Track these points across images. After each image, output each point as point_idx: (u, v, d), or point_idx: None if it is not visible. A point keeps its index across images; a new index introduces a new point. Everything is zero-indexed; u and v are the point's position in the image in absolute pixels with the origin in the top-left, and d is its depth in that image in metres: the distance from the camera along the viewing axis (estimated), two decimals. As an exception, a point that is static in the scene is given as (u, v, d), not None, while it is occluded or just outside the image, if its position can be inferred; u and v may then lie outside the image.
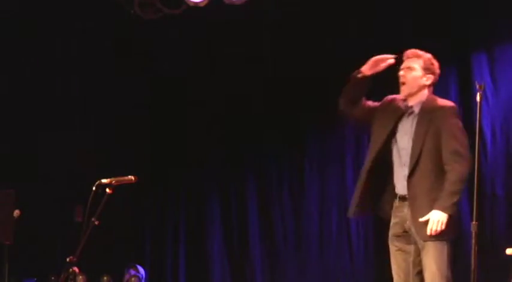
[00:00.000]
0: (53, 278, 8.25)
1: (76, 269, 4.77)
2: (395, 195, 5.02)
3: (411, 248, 4.96)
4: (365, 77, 5.12)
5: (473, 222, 4.56)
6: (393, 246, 5.03)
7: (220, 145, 8.67)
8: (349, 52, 7.81)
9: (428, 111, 4.97)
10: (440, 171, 4.87)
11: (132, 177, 4.92)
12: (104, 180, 4.80)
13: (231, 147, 8.62)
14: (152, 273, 8.81)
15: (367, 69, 5.12)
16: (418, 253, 4.94)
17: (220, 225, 8.73)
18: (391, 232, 5.03)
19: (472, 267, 4.50)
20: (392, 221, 5.03)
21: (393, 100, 5.17)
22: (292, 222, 8.35)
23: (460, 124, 4.96)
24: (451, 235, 4.84)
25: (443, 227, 4.74)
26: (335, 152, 8.14)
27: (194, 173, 8.83)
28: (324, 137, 8.28)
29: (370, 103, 5.24)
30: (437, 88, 7.42)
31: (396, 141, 5.03)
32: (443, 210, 4.76)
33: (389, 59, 5.10)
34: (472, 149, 4.90)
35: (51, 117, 8.75)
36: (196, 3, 7.88)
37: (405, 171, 4.95)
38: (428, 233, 4.76)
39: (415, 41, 7.38)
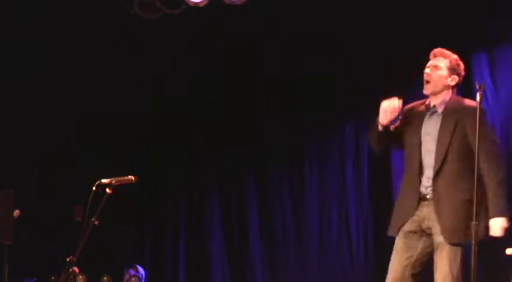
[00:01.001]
0: (53, 278, 8.25)
1: (76, 269, 4.76)
2: (419, 193, 4.95)
3: (419, 245, 4.92)
4: (385, 127, 5.02)
5: (473, 222, 4.56)
6: (400, 242, 4.96)
7: (220, 145, 8.67)
8: (350, 52, 7.83)
9: (452, 111, 4.93)
10: (467, 172, 4.81)
11: (132, 177, 4.91)
12: (104, 180, 4.80)
13: (231, 147, 8.62)
14: (152, 273, 8.81)
15: (383, 119, 4.99)
16: (425, 253, 4.91)
17: (220, 225, 8.73)
18: (405, 228, 4.94)
19: (472, 267, 4.49)
20: (406, 224, 4.97)
21: (413, 107, 5.12)
22: (292, 222, 8.35)
23: (490, 123, 4.94)
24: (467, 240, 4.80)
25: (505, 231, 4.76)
26: (335, 152, 8.14)
27: (194, 173, 8.83)
28: (324, 137, 8.28)
29: (394, 125, 5.15)
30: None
31: (420, 143, 4.98)
32: (501, 215, 4.75)
33: (396, 103, 4.97)
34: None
35: (51, 117, 8.75)
36: (196, 3, 7.88)
37: (429, 173, 4.90)
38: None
39: (415, 41, 7.43)
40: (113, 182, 4.80)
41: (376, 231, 7.62)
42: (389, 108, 4.97)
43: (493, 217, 4.76)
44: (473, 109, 4.79)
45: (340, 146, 8.10)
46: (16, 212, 7.19)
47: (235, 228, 8.66)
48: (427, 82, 5.04)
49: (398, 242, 4.97)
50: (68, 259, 4.70)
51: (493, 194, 4.76)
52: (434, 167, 4.88)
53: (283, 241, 8.39)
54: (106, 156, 8.51)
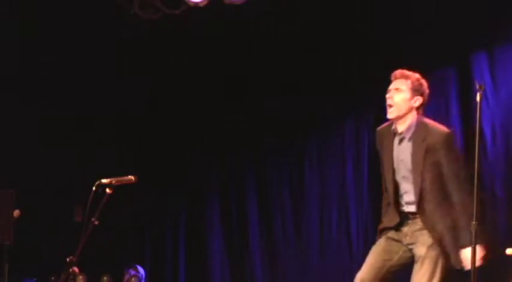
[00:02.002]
0: (53, 278, 8.25)
1: (76, 269, 4.77)
2: (399, 213, 4.92)
3: (399, 252, 4.90)
4: None
5: (473, 222, 4.55)
6: (382, 245, 4.95)
7: (220, 145, 8.67)
8: (350, 52, 7.82)
9: (421, 137, 4.83)
10: (446, 197, 4.82)
11: (132, 177, 4.91)
12: (104, 180, 4.80)
13: (231, 148, 8.62)
14: (152, 273, 8.81)
15: None
16: (402, 262, 4.88)
17: (220, 225, 8.73)
18: (389, 234, 4.95)
19: (472, 267, 4.49)
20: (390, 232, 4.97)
21: (383, 130, 5.04)
22: (292, 222, 8.35)
23: (460, 152, 4.92)
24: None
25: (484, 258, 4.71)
26: (335, 152, 8.14)
27: (194, 173, 8.84)
28: (324, 137, 8.28)
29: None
30: (438, 88, 7.48)
31: (394, 169, 4.92)
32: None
33: None
34: (472, 149, 4.89)
35: (51, 117, 8.75)
36: (196, 3, 7.88)
37: (408, 198, 4.88)
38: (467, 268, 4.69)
39: (415, 40, 7.43)
40: (113, 182, 4.80)
41: (376, 231, 7.61)
42: None
43: (466, 248, 4.69)
44: (441, 135, 4.81)
45: (340, 146, 8.10)
46: (16, 212, 7.18)
47: (235, 228, 8.66)
48: (390, 106, 4.90)
49: (379, 244, 4.95)
50: (68, 259, 4.70)
51: (465, 226, 4.68)
52: (415, 194, 4.83)
53: (283, 241, 8.39)
54: (106, 156, 8.51)
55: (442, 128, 4.90)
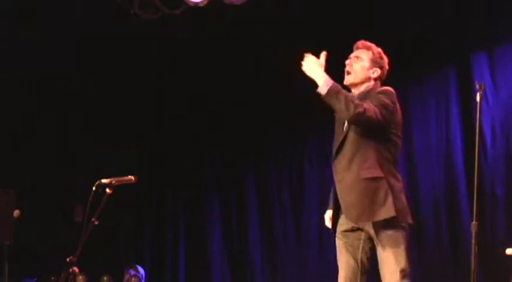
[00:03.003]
0: (53, 278, 8.25)
1: (76, 269, 4.76)
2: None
3: (359, 243, 4.72)
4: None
5: (473, 222, 4.55)
6: (340, 242, 4.79)
7: (220, 145, 8.67)
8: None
9: (364, 97, 4.74)
10: (368, 150, 4.64)
11: (132, 177, 4.91)
12: (104, 180, 4.79)
13: (231, 148, 8.62)
14: (152, 273, 8.82)
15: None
16: (365, 249, 4.71)
17: (220, 225, 8.73)
18: (339, 229, 4.80)
19: (472, 267, 4.49)
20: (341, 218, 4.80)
21: None
22: (292, 222, 8.35)
23: (388, 100, 4.67)
24: (403, 222, 4.60)
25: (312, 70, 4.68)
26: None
27: (194, 173, 8.84)
28: (324, 137, 8.26)
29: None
30: (438, 88, 7.48)
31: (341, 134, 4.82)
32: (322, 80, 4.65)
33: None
34: (472, 149, 4.90)
35: (50, 117, 8.75)
36: (196, 3, 7.88)
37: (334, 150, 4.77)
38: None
39: (415, 40, 7.43)
40: (113, 182, 4.80)
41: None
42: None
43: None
44: (379, 90, 4.72)
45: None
46: (16, 212, 7.19)
47: (235, 229, 8.67)
48: (348, 73, 4.90)
49: (339, 243, 4.81)
50: (68, 259, 4.69)
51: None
52: (334, 149, 4.74)
53: (283, 241, 8.39)
54: (106, 156, 8.51)
55: (386, 88, 4.80)
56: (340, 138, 4.75)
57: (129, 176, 4.92)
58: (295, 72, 8.23)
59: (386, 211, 4.56)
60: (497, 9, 7.11)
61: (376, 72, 4.88)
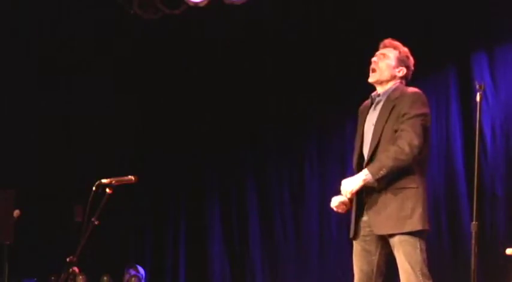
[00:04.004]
0: (53, 278, 8.25)
1: (76, 269, 4.77)
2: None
3: (373, 247, 4.72)
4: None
5: (473, 222, 4.55)
6: (358, 247, 4.80)
7: (220, 145, 8.67)
8: (349, 52, 7.82)
9: (393, 98, 4.68)
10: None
11: (132, 177, 4.91)
12: (104, 180, 4.79)
13: (231, 148, 8.62)
14: (152, 273, 8.82)
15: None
16: (382, 253, 4.70)
17: (220, 225, 8.73)
18: (361, 232, 4.77)
19: (472, 267, 4.49)
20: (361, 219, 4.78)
21: (363, 106, 4.90)
22: (292, 222, 8.35)
23: (425, 118, 4.61)
24: (420, 227, 4.56)
25: (354, 187, 4.60)
26: (335, 152, 8.14)
27: (194, 173, 8.84)
28: (324, 137, 8.28)
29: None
30: (438, 88, 7.48)
31: (363, 134, 4.77)
32: (367, 174, 4.55)
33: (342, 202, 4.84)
34: (472, 149, 4.89)
35: (50, 117, 8.75)
36: (196, 3, 7.88)
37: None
38: (343, 192, 4.60)
39: (415, 41, 7.43)
40: (113, 182, 4.79)
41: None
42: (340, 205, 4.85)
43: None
44: (411, 93, 4.65)
45: (340, 146, 8.09)
46: (16, 212, 7.19)
47: (235, 229, 8.66)
48: (373, 70, 4.83)
49: (356, 247, 4.81)
50: (68, 259, 4.69)
51: (378, 160, 4.54)
52: (367, 155, 4.67)
53: (283, 241, 8.39)
54: (106, 156, 8.51)
55: (415, 89, 4.75)
56: (374, 144, 4.66)
57: (129, 176, 4.92)
58: (296, 71, 8.27)
59: (414, 224, 4.56)
60: (498, 9, 7.11)
61: (402, 72, 4.82)
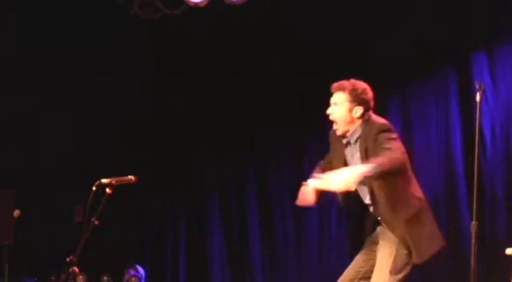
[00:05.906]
0: (53, 278, 8.26)
1: (76, 269, 4.76)
2: (375, 219, 4.85)
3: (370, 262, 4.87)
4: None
5: (473, 222, 4.56)
6: (365, 249, 4.92)
7: (220, 145, 8.67)
8: (349, 52, 7.82)
9: (363, 139, 4.71)
10: (396, 190, 4.68)
11: (132, 177, 4.91)
12: (104, 180, 4.79)
13: (231, 147, 8.62)
14: (152, 273, 8.82)
15: (300, 201, 5.06)
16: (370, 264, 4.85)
17: (220, 225, 8.73)
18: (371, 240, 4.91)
19: (472, 267, 4.49)
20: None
21: (333, 132, 4.97)
22: (292, 223, 8.35)
23: (391, 135, 4.64)
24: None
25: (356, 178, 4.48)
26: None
27: (194, 173, 8.83)
28: (324, 137, 8.26)
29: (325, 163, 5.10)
30: (438, 88, 7.48)
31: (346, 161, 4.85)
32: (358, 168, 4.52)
33: (311, 189, 4.94)
34: (472, 149, 4.89)
35: (50, 117, 8.75)
36: (196, 3, 7.88)
37: (367, 199, 4.79)
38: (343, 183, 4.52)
39: (415, 41, 7.43)
40: (113, 182, 4.80)
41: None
42: (306, 194, 5.03)
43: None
44: (376, 126, 4.63)
45: (340, 146, 8.08)
46: (16, 212, 7.20)
47: (235, 229, 8.66)
48: (334, 122, 4.86)
49: (358, 255, 4.97)
50: (68, 259, 4.70)
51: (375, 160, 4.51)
52: (370, 198, 4.73)
53: (283, 241, 8.38)
54: (106, 156, 8.51)
55: (380, 120, 4.73)
56: (368, 189, 4.70)
57: (129, 176, 4.92)
58: (296, 71, 8.27)
59: (436, 245, 4.75)
60: (497, 9, 7.10)
61: (359, 111, 4.75)
